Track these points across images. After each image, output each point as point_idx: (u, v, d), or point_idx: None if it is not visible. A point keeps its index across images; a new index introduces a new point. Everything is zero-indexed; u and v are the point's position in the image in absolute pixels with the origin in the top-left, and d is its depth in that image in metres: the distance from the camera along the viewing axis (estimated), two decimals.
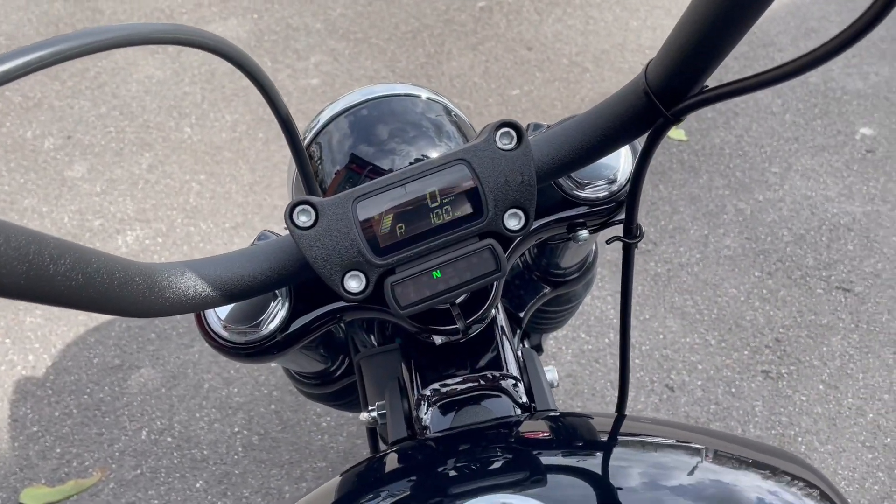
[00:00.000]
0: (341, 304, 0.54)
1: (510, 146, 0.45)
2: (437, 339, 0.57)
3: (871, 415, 1.61)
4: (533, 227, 0.54)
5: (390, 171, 0.67)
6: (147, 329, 1.78)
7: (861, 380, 1.67)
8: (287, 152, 2.19)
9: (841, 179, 2.11)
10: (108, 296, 0.38)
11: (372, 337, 0.73)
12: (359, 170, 0.68)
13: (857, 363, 1.70)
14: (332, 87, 2.43)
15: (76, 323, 1.78)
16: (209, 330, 0.54)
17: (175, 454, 1.56)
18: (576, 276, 0.80)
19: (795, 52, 2.55)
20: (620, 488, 0.45)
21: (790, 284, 1.86)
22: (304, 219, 0.45)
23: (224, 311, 0.54)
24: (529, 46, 2.58)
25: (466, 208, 0.46)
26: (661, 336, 1.76)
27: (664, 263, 1.91)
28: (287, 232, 0.50)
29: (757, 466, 0.46)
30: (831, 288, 1.85)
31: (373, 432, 1.16)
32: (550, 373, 0.63)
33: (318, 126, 0.72)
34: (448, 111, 0.73)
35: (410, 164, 0.66)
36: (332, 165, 0.70)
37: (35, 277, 0.33)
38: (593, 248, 0.80)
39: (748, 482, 0.44)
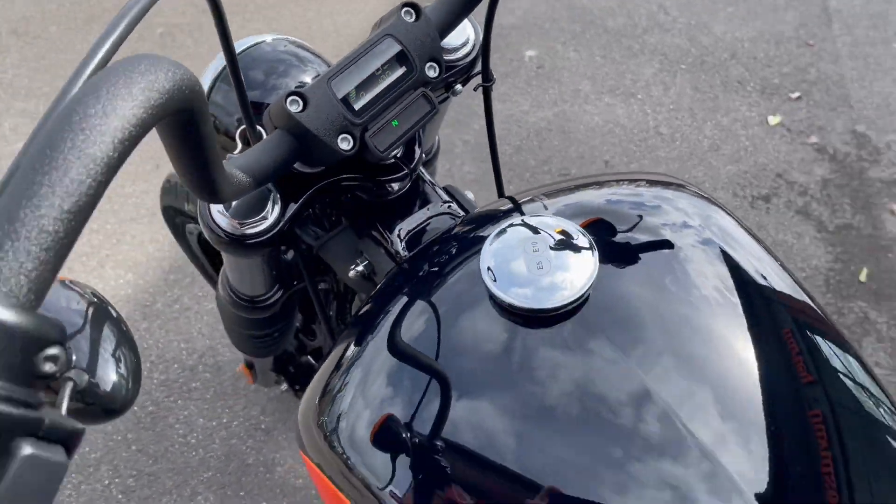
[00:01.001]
0: (321, 183, 0.72)
1: (413, 19, 0.67)
2: (395, 186, 0.77)
3: None
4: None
5: None
6: None
7: None
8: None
9: (528, 95, 2.59)
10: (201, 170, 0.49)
11: (319, 230, 0.88)
12: (256, 112, 0.83)
13: None
14: None
15: None
16: (224, 233, 0.68)
17: None
18: (432, 156, 1.03)
19: None
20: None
21: (526, 185, 2.28)
22: (295, 107, 0.62)
23: (231, 213, 0.68)
24: None
25: (400, 70, 0.67)
26: None
27: None
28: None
29: (633, 182, 0.73)
30: (555, 178, 2.30)
31: (284, 367, 1.27)
32: (469, 194, 0.86)
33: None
34: (293, 42, 0.91)
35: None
36: (231, 118, 0.85)
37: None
38: (437, 136, 1.04)
39: (628, 191, 0.71)
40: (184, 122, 0.42)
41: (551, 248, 0.59)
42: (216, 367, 1.81)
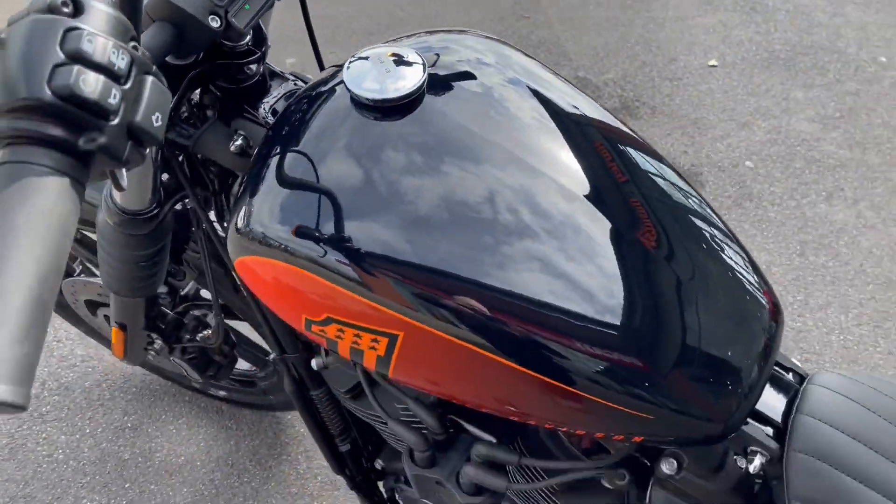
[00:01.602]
0: (196, 70, 0.88)
1: None
2: (252, 68, 0.94)
3: None
4: None
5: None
6: None
7: None
8: None
9: None
10: None
11: (190, 130, 1.01)
12: None
13: None
14: None
15: None
16: None
17: None
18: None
19: None
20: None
21: None
22: None
23: None
24: None
25: None
26: None
27: None
28: None
29: (428, 35, 0.95)
30: None
31: (155, 324, 1.37)
32: (309, 76, 1.06)
33: None
34: None
35: None
36: None
37: None
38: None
39: (424, 40, 0.92)
40: None
41: (392, 63, 0.82)
42: (63, 387, 1.82)
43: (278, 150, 0.81)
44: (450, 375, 0.75)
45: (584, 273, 0.69)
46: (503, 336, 0.69)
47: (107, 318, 1.59)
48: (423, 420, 0.90)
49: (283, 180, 0.78)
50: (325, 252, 0.72)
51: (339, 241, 0.72)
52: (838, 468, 0.72)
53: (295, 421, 1.76)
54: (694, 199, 0.80)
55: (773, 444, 0.76)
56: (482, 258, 0.69)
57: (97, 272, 1.55)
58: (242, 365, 1.65)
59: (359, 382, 1.04)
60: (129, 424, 1.76)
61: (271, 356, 1.65)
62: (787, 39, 3.02)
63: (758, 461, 0.76)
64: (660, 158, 0.82)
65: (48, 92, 0.41)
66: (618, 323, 0.68)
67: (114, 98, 0.43)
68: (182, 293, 1.44)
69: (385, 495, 1.36)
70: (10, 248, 0.40)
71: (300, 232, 0.74)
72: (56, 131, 0.42)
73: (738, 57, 2.94)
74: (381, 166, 0.74)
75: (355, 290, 0.72)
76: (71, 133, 0.42)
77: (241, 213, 0.79)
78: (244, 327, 1.58)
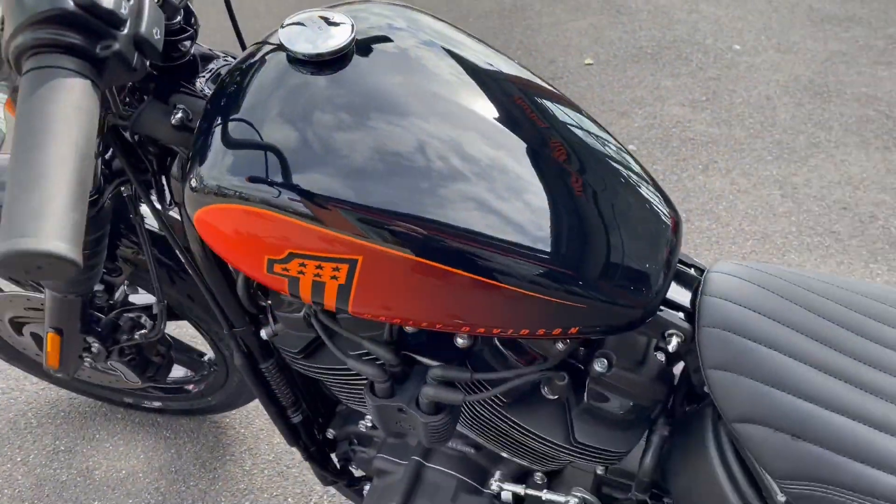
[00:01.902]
0: None
1: None
2: (186, 44, 0.98)
3: None
4: None
5: None
6: None
7: None
8: None
9: None
10: None
11: (128, 110, 1.04)
12: None
13: None
14: None
15: None
16: None
17: None
18: None
19: None
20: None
21: None
22: None
23: None
24: None
25: None
26: None
27: None
28: None
29: (338, 7, 1.03)
30: None
31: (91, 327, 1.38)
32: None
33: None
34: None
35: None
36: None
37: None
38: None
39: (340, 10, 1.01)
40: None
41: (324, 23, 0.90)
42: None
43: (223, 112, 0.86)
44: (406, 295, 0.83)
45: (513, 187, 0.80)
46: (452, 251, 0.78)
47: (34, 335, 1.59)
48: (379, 355, 0.98)
49: (233, 135, 0.84)
50: (280, 192, 0.79)
51: (293, 181, 0.80)
52: (742, 335, 0.86)
53: (235, 422, 1.79)
54: (610, 142, 0.91)
55: (686, 325, 0.89)
56: (426, 190, 0.78)
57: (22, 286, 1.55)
58: (176, 373, 1.66)
59: (312, 340, 1.11)
60: (63, 447, 1.74)
61: (206, 357, 1.69)
62: (651, 36, 3.29)
63: (674, 341, 0.89)
64: (576, 107, 0.92)
65: (70, 2, 0.49)
66: (552, 239, 0.79)
67: (124, 9, 0.51)
68: (113, 301, 1.46)
69: (338, 466, 1.42)
70: (52, 136, 0.47)
71: (255, 178, 0.81)
72: (76, 39, 0.49)
73: (611, 54, 3.18)
74: (322, 115, 0.82)
75: (313, 222, 0.80)
76: (89, 41, 0.50)
77: (197, 168, 0.84)
78: (178, 333, 1.61)
